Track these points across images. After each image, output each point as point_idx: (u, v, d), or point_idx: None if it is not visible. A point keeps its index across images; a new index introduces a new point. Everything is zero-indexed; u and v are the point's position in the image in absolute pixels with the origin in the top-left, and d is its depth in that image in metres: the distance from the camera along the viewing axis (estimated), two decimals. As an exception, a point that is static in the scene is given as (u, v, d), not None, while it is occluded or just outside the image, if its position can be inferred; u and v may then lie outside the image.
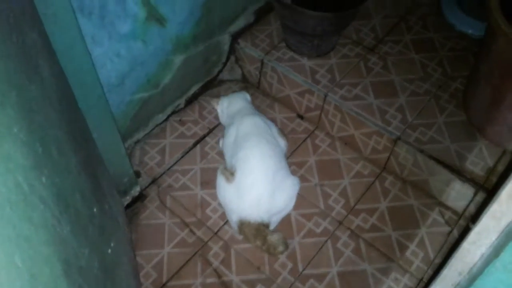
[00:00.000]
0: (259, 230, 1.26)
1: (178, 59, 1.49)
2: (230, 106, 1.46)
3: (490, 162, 1.38)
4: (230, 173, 1.29)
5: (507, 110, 1.26)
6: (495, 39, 1.18)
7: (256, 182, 1.26)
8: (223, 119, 1.52)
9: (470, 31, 1.70)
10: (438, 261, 1.35)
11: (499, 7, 1.18)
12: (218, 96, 1.59)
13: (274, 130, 1.41)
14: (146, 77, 1.41)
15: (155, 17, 1.30)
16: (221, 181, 1.30)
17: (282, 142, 1.40)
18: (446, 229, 1.40)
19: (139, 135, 1.55)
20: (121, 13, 1.19)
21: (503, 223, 0.60)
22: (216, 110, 1.55)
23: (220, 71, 1.73)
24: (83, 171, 0.81)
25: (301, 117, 1.65)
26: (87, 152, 0.96)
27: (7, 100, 0.48)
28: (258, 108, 1.64)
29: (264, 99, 1.69)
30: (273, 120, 1.62)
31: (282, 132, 1.46)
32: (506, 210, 0.58)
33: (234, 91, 1.71)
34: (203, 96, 1.69)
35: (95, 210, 0.80)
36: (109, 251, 0.86)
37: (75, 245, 0.61)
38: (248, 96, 1.51)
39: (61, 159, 0.65)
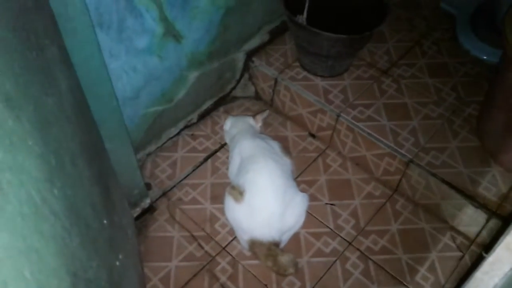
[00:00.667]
0: (270, 249, 1.26)
1: (193, 75, 1.51)
2: (232, 128, 1.49)
3: (504, 189, 1.37)
4: (238, 193, 1.29)
5: (521, 137, 1.25)
6: (510, 67, 1.18)
7: (267, 201, 1.26)
8: (227, 139, 1.54)
9: (484, 57, 1.69)
10: (448, 286, 1.32)
11: (514, 34, 1.18)
12: (232, 111, 1.60)
13: (278, 149, 1.41)
14: (160, 91, 1.43)
15: (172, 33, 1.32)
16: (229, 201, 1.31)
17: (287, 161, 1.40)
18: (458, 254, 1.38)
19: (151, 147, 1.56)
20: (139, 28, 1.22)
21: (518, 255, 0.59)
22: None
23: (233, 88, 1.74)
24: (95, 183, 0.82)
25: (313, 136, 1.65)
26: (100, 163, 0.97)
27: (24, 114, 0.50)
28: (271, 126, 1.65)
29: (277, 117, 1.70)
30: (284, 138, 1.63)
31: (287, 150, 1.47)
32: (521, 243, 0.57)
33: (247, 108, 1.72)
34: (216, 112, 1.71)
35: (105, 222, 0.81)
36: (117, 263, 0.86)
37: (84, 258, 0.62)
38: (251, 121, 1.51)
39: (74, 171, 0.66)
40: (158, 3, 1.22)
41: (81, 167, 0.71)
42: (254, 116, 1.53)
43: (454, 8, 1.87)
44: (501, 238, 0.59)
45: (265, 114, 1.55)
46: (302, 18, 1.43)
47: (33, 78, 0.59)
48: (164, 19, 1.27)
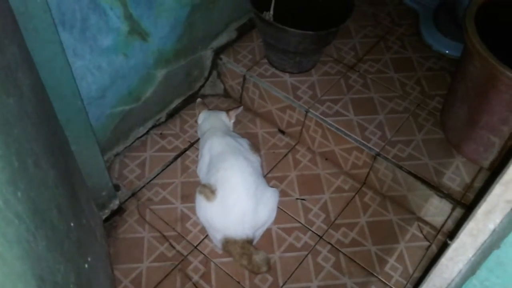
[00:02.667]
0: (244, 248, 1.26)
1: (160, 73, 1.49)
2: (205, 122, 1.48)
3: (467, 179, 1.41)
4: (210, 192, 1.29)
5: (483, 129, 1.30)
6: (471, 60, 1.22)
7: (240, 199, 1.26)
8: (199, 132, 1.53)
9: (447, 51, 1.74)
10: (417, 275, 1.36)
11: (475, 29, 1.21)
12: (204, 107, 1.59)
13: (246, 146, 1.42)
14: (127, 90, 1.41)
15: (137, 31, 1.30)
16: (201, 200, 1.30)
17: (256, 158, 1.41)
18: (425, 243, 1.42)
19: (119, 148, 1.54)
20: (103, 27, 1.20)
21: (480, 240, 0.61)
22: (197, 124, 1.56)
23: (202, 86, 1.73)
24: (60, 185, 0.80)
25: (282, 132, 1.66)
26: (65, 165, 0.95)
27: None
28: (240, 123, 1.65)
29: (246, 114, 1.70)
30: (254, 135, 1.63)
31: (255, 147, 1.47)
32: (483, 228, 0.59)
33: (216, 106, 1.72)
34: (185, 110, 1.69)
35: (72, 224, 0.79)
36: (86, 266, 0.85)
37: (51, 261, 0.60)
38: (224, 116, 1.50)
39: (38, 173, 0.65)
40: (123, 1, 1.20)
41: (46, 169, 0.70)
42: (227, 111, 1.52)
43: (417, 4, 1.92)
44: (464, 224, 0.61)
45: (239, 110, 1.55)
46: (269, 15, 1.44)
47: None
48: (129, 17, 1.25)
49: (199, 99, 1.59)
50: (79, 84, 1.10)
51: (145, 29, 1.32)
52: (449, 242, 0.66)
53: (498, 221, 0.55)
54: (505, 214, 0.54)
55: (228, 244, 1.28)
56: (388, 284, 1.33)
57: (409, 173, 1.42)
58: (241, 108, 1.56)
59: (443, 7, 1.87)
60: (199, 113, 1.52)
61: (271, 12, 1.43)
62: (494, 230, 0.57)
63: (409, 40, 1.81)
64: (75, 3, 1.09)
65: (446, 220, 1.42)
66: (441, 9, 1.87)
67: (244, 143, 1.43)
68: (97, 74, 1.27)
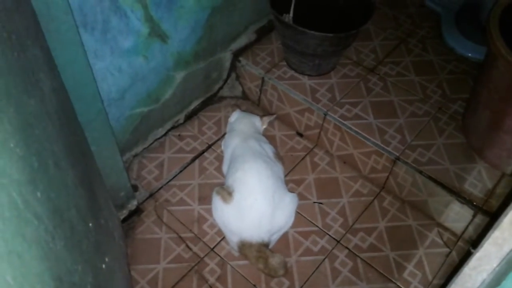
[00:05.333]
0: (260, 251, 1.26)
1: (179, 75, 1.50)
2: (236, 122, 1.48)
3: (489, 185, 1.38)
4: (227, 193, 1.28)
5: (506, 134, 1.27)
6: (495, 64, 1.19)
7: (257, 202, 1.26)
8: (228, 129, 1.54)
9: (469, 55, 1.71)
10: (436, 282, 1.33)
11: (499, 32, 1.19)
12: (219, 111, 1.60)
13: (271, 153, 1.41)
14: (146, 92, 1.42)
15: (157, 33, 1.31)
16: (217, 202, 1.30)
17: (279, 165, 1.40)
18: (445, 250, 1.39)
19: (138, 148, 1.55)
20: (124, 28, 1.21)
21: (505, 250, 0.59)
22: (216, 126, 1.57)
23: (220, 88, 1.74)
24: (80, 185, 0.81)
25: (300, 135, 1.65)
26: (85, 166, 0.96)
27: (5, 115, 0.49)
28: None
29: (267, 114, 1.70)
30: (272, 138, 1.62)
31: (279, 155, 1.47)
32: (508, 237, 0.58)
33: (234, 108, 1.71)
34: (203, 112, 1.70)
35: (90, 225, 0.80)
36: (104, 266, 0.85)
37: (69, 261, 0.61)
38: (258, 121, 1.51)
39: (58, 173, 0.65)
40: (143, 3, 1.21)
41: (65, 170, 0.70)
42: (261, 116, 1.53)
43: (439, 6, 1.88)
44: (489, 233, 0.60)
45: (273, 117, 1.56)
46: (289, 17, 1.43)
47: (14, 79, 0.58)
48: (149, 19, 1.26)
49: (233, 102, 1.60)
50: (100, 86, 1.11)
51: (165, 31, 1.33)
52: (472, 250, 0.64)
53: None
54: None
55: (244, 247, 1.28)
56: (407, 290, 1.31)
57: (430, 178, 1.39)
58: (275, 116, 1.58)
59: (466, 10, 1.84)
60: (232, 112, 1.54)
61: (291, 14, 1.42)
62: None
63: (430, 43, 1.78)
64: (97, 5, 1.10)
65: (467, 227, 1.39)
66: (463, 11, 1.84)
67: (269, 149, 1.43)
68: (117, 76, 1.28)
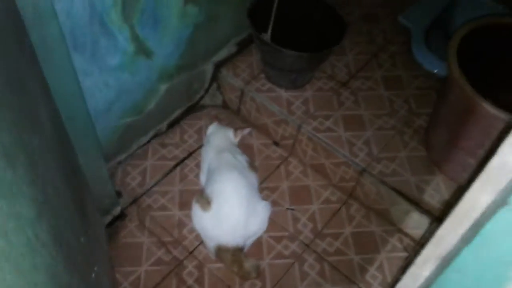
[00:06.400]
0: (235, 255, 1.37)
1: (163, 87, 1.59)
2: (212, 135, 1.58)
3: (446, 195, 1.51)
4: (206, 202, 1.39)
5: (461, 151, 1.40)
6: (452, 89, 1.31)
7: (232, 210, 1.36)
8: (204, 141, 1.63)
9: (436, 70, 1.83)
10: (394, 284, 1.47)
11: (456, 58, 1.31)
12: (200, 119, 1.69)
13: (245, 163, 1.52)
14: (132, 104, 1.50)
15: (143, 51, 1.39)
16: (197, 209, 1.41)
17: (252, 174, 1.51)
18: (404, 254, 1.53)
19: (122, 156, 1.63)
20: (112, 48, 1.29)
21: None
22: (197, 134, 1.66)
23: (202, 97, 1.83)
24: (73, 204, 0.90)
25: (276, 144, 1.76)
26: (75, 180, 1.05)
27: (18, 162, 0.58)
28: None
29: (243, 126, 1.79)
30: (250, 146, 1.73)
31: (253, 165, 1.57)
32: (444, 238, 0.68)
33: (215, 116, 1.80)
34: (185, 120, 1.79)
35: (82, 240, 0.89)
36: (93, 275, 0.95)
37: (66, 278, 0.70)
38: (231, 134, 1.60)
39: (57, 200, 0.74)
40: (130, 24, 1.29)
41: (63, 194, 0.79)
42: (235, 130, 1.62)
43: (410, 22, 2.00)
44: (431, 237, 0.70)
45: (246, 131, 1.65)
46: (267, 36, 1.53)
47: (21, 121, 0.67)
48: (135, 39, 1.34)
49: (213, 113, 1.68)
50: (88, 100, 1.19)
51: (150, 48, 1.42)
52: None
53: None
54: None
55: (221, 251, 1.39)
56: (368, 292, 1.44)
57: (392, 188, 1.52)
58: (249, 129, 1.67)
59: (435, 26, 1.96)
60: (210, 124, 1.63)
61: (269, 33, 1.52)
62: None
63: (400, 58, 1.90)
64: (87, 28, 1.18)
65: (424, 234, 1.52)
66: (433, 28, 1.96)
67: (243, 160, 1.53)
68: (104, 91, 1.36)
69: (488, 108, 1.19)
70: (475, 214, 0.53)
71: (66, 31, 1.09)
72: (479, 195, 0.52)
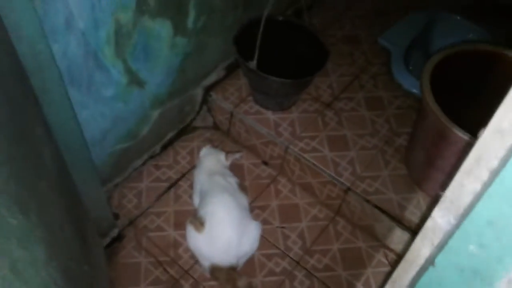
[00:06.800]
0: (229, 274, 1.44)
1: (155, 113, 1.66)
2: (204, 158, 1.66)
3: (426, 213, 1.60)
4: (199, 223, 1.46)
5: (438, 171, 1.48)
6: (426, 114, 1.40)
7: (225, 231, 1.44)
8: (197, 162, 1.71)
9: (415, 90, 1.92)
10: (380, 297, 1.55)
11: (429, 86, 1.40)
12: (192, 141, 1.78)
13: (235, 185, 1.59)
14: (126, 130, 1.57)
15: (135, 81, 1.47)
16: (191, 231, 1.48)
17: (243, 196, 1.59)
18: (389, 269, 1.61)
19: (118, 179, 1.70)
20: (106, 81, 1.36)
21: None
22: (190, 155, 1.74)
23: (193, 119, 1.91)
24: (75, 235, 0.97)
25: (265, 163, 1.84)
26: (76, 211, 1.12)
27: (30, 209, 0.65)
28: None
29: (233, 146, 1.88)
30: (240, 166, 1.81)
31: (243, 186, 1.65)
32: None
33: (206, 138, 1.89)
34: (178, 142, 1.86)
35: (85, 268, 0.96)
36: (95, 300, 1.02)
37: (73, 308, 0.77)
38: (223, 157, 1.68)
39: (63, 235, 0.81)
40: (123, 59, 1.37)
41: (67, 229, 0.87)
42: (227, 153, 1.70)
43: (389, 43, 2.09)
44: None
45: (237, 155, 1.73)
46: (253, 64, 1.61)
47: (31, 169, 0.74)
48: (128, 71, 1.42)
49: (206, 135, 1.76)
50: (84, 130, 1.26)
51: (142, 79, 1.49)
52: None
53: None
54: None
55: (215, 270, 1.46)
56: (355, 305, 1.52)
57: (376, 206, 1.60)
58: (240, 154, 1.75)
59: (415, 47, 2.06)
60: (202, 146, 1.71)
61: (255, 61, 1.60)
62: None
63: (381, 79, 1.99)
64: (83, 65, 1.25)
65: (407, 248, 1.60)
66: (412, 48, 2.05)
67: (234, 182, 1.60)
68: (100, 120, 1.43)
69: (459, 134, 1.28)
70: (420, 262, 0.61)
71: (62, 69, 1.16)
72: (421, 247, 0.59)
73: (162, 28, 1.42)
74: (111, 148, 1.56)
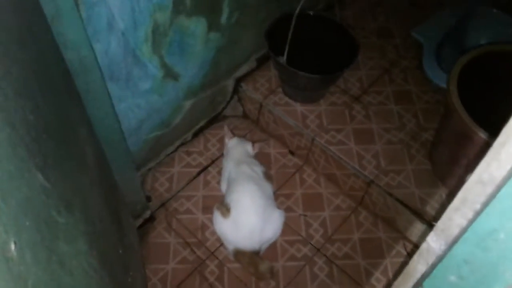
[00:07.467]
0: (251, 258, 1.53)
1: (188, 103, 1.75)
2: (232, 148, 1.73)
3: (443, 207, 1.63)
4: (226, 210, 1.55)
5: (460, 169, 1.51)
6: (452, 114, 1.43)
7: (249, 219, 1.53)
8: (225, 152, 1.79)
9: (444, 86, 1.92)
10: None
11: (456, 87, 1.42)
12: (222, 129, 1.86)
13: (261, 174, 1.67)
14: (160, 120, 1.67)
15: (170, 75, 1.55)
16: (217, 216, 1.58)
17: (268, 184, 1.66)
18: (407, 260, 1.66)
19: (152, 164, 1.81)
20: (143, 75, 1.45)
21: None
22: (219, 142, 1.83)
23: (224, 108, 1.98)
24: (112, 221, 1.08)
25: (292, 153, 1.90)
26: (112, 197, 1.23)
27: (75, 207, 0.75)
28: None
29: (261, 135, 1.95)
30: (267, 155, 1.88)
31: (268, 175, 1.73)
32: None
33: (235, 126, 1.96)
34: (209, 130, 1.95)
35: (120, 251, 1.07)
36: (129, 279, 1.13)
37: (110, 290, 0.88)
38: (250, 147, 1.75)
39: (102, 226, 0.92)
40: (159, 55, 1.45)
41: (105, 219, 0.97)
42: (253, 143, 1.77)
43: (422, 37, 2.08)
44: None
45: (263, 143, 1.80)
46: (283, 59, 1.66)
47: (76, 167, 0.84)
48: (164, 66, 1.50)
49: (226, 127, 1.83)
50: (121, 121, 1.36)
51: (177, 72, 1.57)
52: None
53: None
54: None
55: (238, 254, 1.56)
56: (372, 294, 1.59)
57: (398, 200, 1.65)
58: (265, 141, 1.81)
59: (448, 41, 2.04)
60: (229, 139, 1.78)
61: (285, 56, 1.65)
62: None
63: (411, 73, 2.00)
64: (122, 62, 1.34)
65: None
66: (445, 42, 2.04)
67: (259, 171, 1.68)
68: (136, 111, 1.53)
69: (483, 136, 1.31)
70: (417, 275, 0.67)
71: (103, 66, 1.26)
72: (417, 264, 0.65)
73: (197, 26, 1.48)
74: (146, 136, 1.66)
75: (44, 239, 0.55)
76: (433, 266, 0.61)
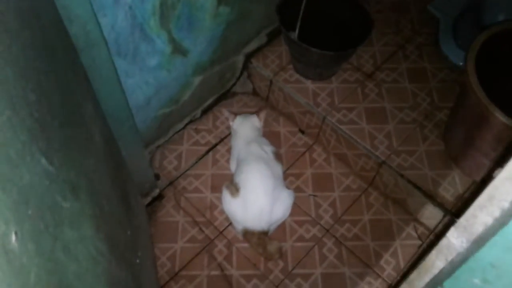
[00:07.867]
0: (260, 238, 1.52)
1: (197, 79, 1.71)
2: (240, 127, 1.70)
3: (460, 190, 1.60)
4: (235, 189, 1.53)
5: (476, 151, 1.47)
6: (468, 94, 1.38)
7: (258, 198, 1.50)
8: (232, 132, 1.76)
9: (461, 63, 1.86)
10: (407, 270, 1.60)
11: (474, 65, 1.36)
12: (232, 106, 1.82)
13: (271, 154, 1.63)
14: (168, 96, 1.63)
15: (179, 50, 1.51)
16: (226, 195, 1.55)
17: (278, 165, 1.63)
18: (418, 242, 1.64)
19: (160, 141, 1.79)
20: (151, 51, 1.41)
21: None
22: (227, 121, 1.79)
23: (233, 85, 1.94)
24: (120, 201, 1.06)
25: (302, 132, 1.87)
26: (120, 176, 1.20)
27: (81, 191, 0.72)
28: (266, 121, 1.85)
29: (271, 113, 1.91)
30: (277, 134, 1.85)
31: (278, 155, 1.69)
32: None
33: (245, 103, 1.93)
34: (218, 107, 1.92)
35: (128, 232, 1.05)
36: (138, 260, 1.12)
37: (118, 274, 0.86)
38: (257, 122, 1.71)
39: (110, 208, 0.90)
40: (167, 29, 1.40)
41: (113, 200, 0.95)
42: (257, 114, 1.73)
43: (439, 12, 2.01)
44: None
45: (264, 112, 1.74)
46: (294, 35, 1.61)
47: (82, 151, 0.81)
48: (172, 41, 1.45)
49: (225, 111, 1.78)
50: (129, 97, 1.32)
51: (185, 48, 1.53)
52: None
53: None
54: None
55: (247, 234, 1.54)
56: (381, 276, 1.58)
57: (409, 181, 1.62)
58: (265, 111, 1.76)
59: (464, 17, 1.97)
60: (232, 120, 1.73)
61: (296, 32, 1.60)
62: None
63: (427, 50, 1.93)
64: (129, 36, 1.30)
65: (438, 224, 1.63)
66: (462, 18, 1.97)
67: (269, 150, 1.65)
68: (144, 88, 1.49)
69: (500, 117, 1.26)
70: (434, 271, 0.64)
71: (110, 41, 1.22)
72: (435, 261, 0.62)
73: (206, -1, 1.43)
74: (154, 112, 1.62)
75: (47, 227, 0.52)
76: (452, 264, 0.59)
